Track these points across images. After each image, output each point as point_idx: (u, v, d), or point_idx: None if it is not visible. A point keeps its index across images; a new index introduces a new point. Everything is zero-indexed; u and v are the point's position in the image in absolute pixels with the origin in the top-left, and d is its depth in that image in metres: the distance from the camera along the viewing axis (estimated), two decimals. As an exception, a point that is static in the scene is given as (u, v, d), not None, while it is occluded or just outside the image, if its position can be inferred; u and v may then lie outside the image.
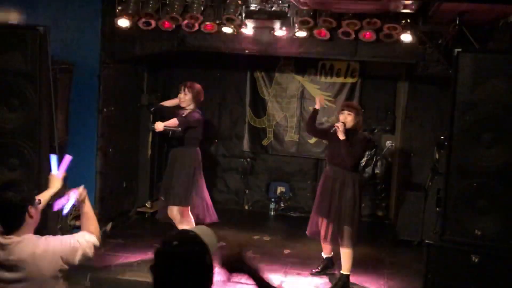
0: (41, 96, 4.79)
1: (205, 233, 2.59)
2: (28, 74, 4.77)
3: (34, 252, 3.14)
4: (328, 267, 6.52)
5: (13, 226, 3.18)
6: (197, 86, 6.54)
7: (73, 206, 3.59)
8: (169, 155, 6.74)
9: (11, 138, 4.79)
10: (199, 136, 6.57)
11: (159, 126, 6.21)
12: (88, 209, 3.56)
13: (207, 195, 6.67)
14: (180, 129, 6.26)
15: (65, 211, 3.59)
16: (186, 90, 6.44)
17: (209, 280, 2.36)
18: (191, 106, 6.47)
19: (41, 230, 3.43)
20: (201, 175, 6.57)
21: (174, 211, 6.40)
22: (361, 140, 6.07)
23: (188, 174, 6.42)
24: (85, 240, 3.34)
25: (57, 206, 3.58)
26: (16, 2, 6.88)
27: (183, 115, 6.40)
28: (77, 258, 3.27)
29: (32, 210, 3.26)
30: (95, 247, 3.39)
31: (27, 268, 3.12)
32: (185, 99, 6.45)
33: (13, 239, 3.15)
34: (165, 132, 6.30)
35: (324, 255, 6.51)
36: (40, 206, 3.51)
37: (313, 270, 6.54)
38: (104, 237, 7.46)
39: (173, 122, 6.28)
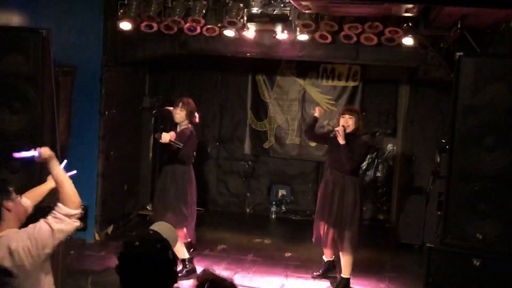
0: (43, 99, 4.77)
1: (164, 229, 2.63)
2: (30, 76, 4.76)
3: (9, 247, 3.10)
4: (330, 270, 6.52)
5: None
6: (193, 103, 6.39)
7: (31, 157, 3.51)
8: (162, 170, 6.55)
9: (13, 140, 4.78)
10: (192, 154, 6.45)
11: (165, 137, 5.99)
12: (58, 174, 3.41)
13: (195, 214, 6.55)
14: (181, 145, 6.14)
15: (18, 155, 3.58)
16: (182, 106, 6.29)
17: (173, 275, 2.40)
18: (185, 123, 6.32)
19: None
20: (194, 193, 6.48)
21: None
22: (362, 145, 6.07)
23: (184, 194, 6.34)
24: (56, 218, 3.22)
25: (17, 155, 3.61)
26: (19, 5, 6.89)
27: (179, 134, 6.22)
28: (51, 243, 3.18)
29: (9, 204, 3.22)
30: (74, 216, 3.26)
31: (7, 263, 3.09)
32: (181, 114, 6.30)
33: None
34: (168, 144, 6.16)
35: (325, 258, 6.51)
36: (29, 203, 3.51)
37: (315, 273, 6.54)
38: (106, 239, 7.50)
39: (173, 135, 6.12)
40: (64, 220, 3.22)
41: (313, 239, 6.43)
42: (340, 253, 6.16)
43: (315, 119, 6.44)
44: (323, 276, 6.51)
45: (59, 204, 3.27)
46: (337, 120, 6.22)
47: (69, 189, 3.35)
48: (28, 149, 3.56)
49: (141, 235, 2.46)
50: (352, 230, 6.05)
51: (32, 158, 3.54)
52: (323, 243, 6.28)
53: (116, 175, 7.85)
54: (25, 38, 4.80)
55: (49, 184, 3.86)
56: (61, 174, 3.43)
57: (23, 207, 3.39)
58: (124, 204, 8.24)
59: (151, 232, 2.50)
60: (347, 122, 6.02)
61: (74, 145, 6.88)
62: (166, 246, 2.42)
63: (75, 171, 3.93)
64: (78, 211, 3.30)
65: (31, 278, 3.17)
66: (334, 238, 6.13)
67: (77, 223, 3.28)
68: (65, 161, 3.96)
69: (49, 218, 3.24)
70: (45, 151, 3.49)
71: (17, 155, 3.61)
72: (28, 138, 4.77)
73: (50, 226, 3.19)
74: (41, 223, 3.23)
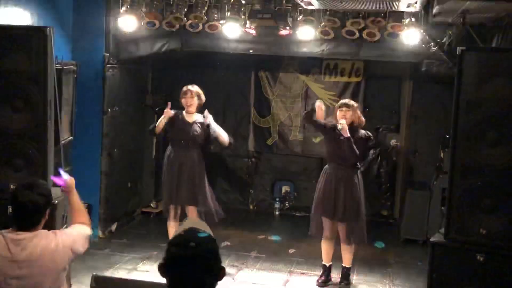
0: (46, 97, 4.78)
1: (202, 225, 2.57)
2: (32, 75, 4.76)
3: (48, 246, 3.22)
4: (329, 274, 6.44)
5: (30, 225, 3.25)
6: (197, 88, 6.62)
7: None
8: (177, 156, 6.53)
9: (16, 139, 4.78)
10: None
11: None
12: (76, 200, 3.70)
13: None
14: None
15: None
16: (193, 96, 6.48)
17: (222, 272, 2.38)
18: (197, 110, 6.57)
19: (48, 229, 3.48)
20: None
21: (195, 213, 6.47)
22: (362, 138, 6.12)
23: (205, 175, 6.57)
24: (81, 231, 3.48)
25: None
26: (20, 3, 6.90)
27: (209, 124, 6.48)
28: (81, 248, 3.41)
29: (48, 212, 3.32)
30: (89, 237, 3.53)
31: (40, 263, 3.18)
32: (195, 105, 6.50)
33: (26, 234, 3.20)
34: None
35: (326, 263, 6.39)
36: None
37: (319, 281, 6.43)
38: (109, 237, 7.52)
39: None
40: (87, 238, 3.50)
41: (311, 233, 6.39)
42: (346, 245, 6.17)
43: (313, 109, 6.35)
44: (328, 282, 6.42)
45: (81, 225, 3.55)
46: (334, 113, 6.21)
47: (86, 215, 3.69)
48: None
49: (193, 235, 2.35)
50: (359, 222, 6.13)
51: (58, 184, 3.84)
52: (325, 237, 6.24)
53: (119, 173, 7.86)
54: (27, 36, 4.80)
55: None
56: (79, 201, 3.75)
57: None
58: (127, 202, 8.25)
59: (199, 231, 2.39)
60: (345, 115, 6.04)
61: (77, 143, 6.88)
62: (217, 245, 2.37)
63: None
64: (89, 230, 3.61)
65: (59, 279, 3.30)
66: (339, 231, 6.15)
67: (87, 241, 3.52)
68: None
69: (81, 229, 3.49)
70: (72, 181, 3.79)
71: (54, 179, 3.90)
72: (31, 137, 4.78)
73: (84, 236, 3.46)
74: (77, 229, 3.48)
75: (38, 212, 3.26)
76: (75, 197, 3.73)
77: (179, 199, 6.49)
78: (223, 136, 6.50)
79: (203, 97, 6.58)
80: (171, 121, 6.46)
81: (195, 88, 6.54)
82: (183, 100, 6.51)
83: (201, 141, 6.51)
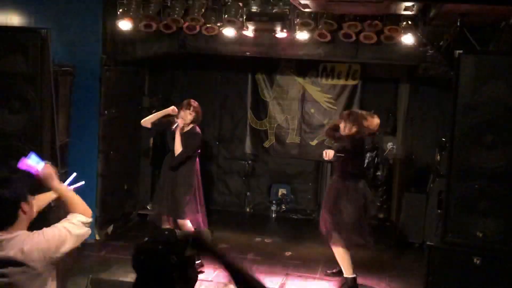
0: (42, 99, 4.78)
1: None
2: (29, 76, 4.77)
3: (22, 248, 3.12)
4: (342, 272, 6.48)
5: (6, 222, 3.18)
6: (198, 105, 6.44)
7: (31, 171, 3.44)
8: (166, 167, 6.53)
9: (13, 140, 4.78)
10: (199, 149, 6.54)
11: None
12: (66, 193, 3.45)
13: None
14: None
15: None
16: (192, 109, 6.30)
17: (173, 279, 2.41)
18: (190, 125, 6.37)
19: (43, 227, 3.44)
20: (200, 182, 6.58)
21: (188, 224, 6.36)
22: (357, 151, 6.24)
23: (191, 186, 6.41)
24: (71, 223, 3.28)
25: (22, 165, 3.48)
26: (18, 5, 6.89)
27: (189, 138, 6.30)
28: (68, 246, 3.22)
29: (25, 206, 3.24)
30: (87, 223, 3.32)
31: (16, 264, 3.12)
32: (189, 118, 6.30)
33: (4, 236, 3.15)
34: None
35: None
36: (35, 207, 3.52)
37: (328, 271, 6.50)
38: (106, 239, 7.50)
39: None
40: (81, 227, 3.30)
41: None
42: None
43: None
44: (337, 275, 6.47)
45: (74, 213, 3.33)
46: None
47: (80, 203, 3.42)
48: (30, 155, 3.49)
49: (154, 233, 2.53)
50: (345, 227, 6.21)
51: (31, 172, 3.47)
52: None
53: (115, 175, 7.84)
54: (24, 38, 4.81)
55: (53, 195, 3.89)
56: (66, 191, 3.48)
57: (33, 211, 3.41)
58: (124, 204, 8.24)
59: (165, 232, 2.53)
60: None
61: (73, 145, 6.87)
62: (171, 250, 2.41)
63: (83, 182, 3.95)
64: (91, 219, 3.38)
65: (39, 280, 3.20)
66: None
67: (89, 231, 3.35)
68: (74, 173, 3.96)
69: (66, 223, 3.29)
70: (47, 168, 3.45)
71: (22, 165, 3.52)
72: (27, 138, 4.78)
73: (68, 231, 3.25)
74: (58, 227, 3.28)
75: (7, 207, 3.15)
76: (59, 185, 3.43)
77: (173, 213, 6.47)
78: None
79: (199, 111, 6.45)
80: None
81: (193, 104, 6.37)
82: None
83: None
